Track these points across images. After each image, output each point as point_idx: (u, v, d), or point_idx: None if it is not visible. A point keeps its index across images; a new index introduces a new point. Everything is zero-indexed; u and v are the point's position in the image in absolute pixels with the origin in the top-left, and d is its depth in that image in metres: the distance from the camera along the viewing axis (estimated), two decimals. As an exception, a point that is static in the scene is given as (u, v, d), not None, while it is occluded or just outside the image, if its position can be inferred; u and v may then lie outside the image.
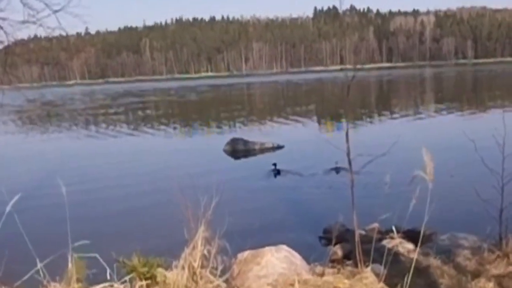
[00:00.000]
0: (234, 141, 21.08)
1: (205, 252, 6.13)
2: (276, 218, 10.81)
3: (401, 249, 7.62)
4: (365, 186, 10.77)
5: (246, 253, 6.65)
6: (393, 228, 6.84)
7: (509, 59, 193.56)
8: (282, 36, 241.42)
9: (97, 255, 5.58)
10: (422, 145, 5.14)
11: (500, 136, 6.90)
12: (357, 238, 6.49)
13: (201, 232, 6.21)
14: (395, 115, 32.15)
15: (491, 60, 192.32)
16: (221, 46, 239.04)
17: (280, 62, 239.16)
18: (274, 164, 16.18)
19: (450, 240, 7.52)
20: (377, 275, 6.28)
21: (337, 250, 8.00)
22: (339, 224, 8.83)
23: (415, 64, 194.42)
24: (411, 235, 8.07)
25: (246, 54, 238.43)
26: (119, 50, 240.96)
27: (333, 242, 7.08)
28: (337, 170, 15.56)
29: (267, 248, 6.76)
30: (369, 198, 9.64)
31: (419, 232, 8.12)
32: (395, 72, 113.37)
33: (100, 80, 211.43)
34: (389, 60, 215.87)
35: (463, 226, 7.79)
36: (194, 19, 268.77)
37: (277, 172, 15.97)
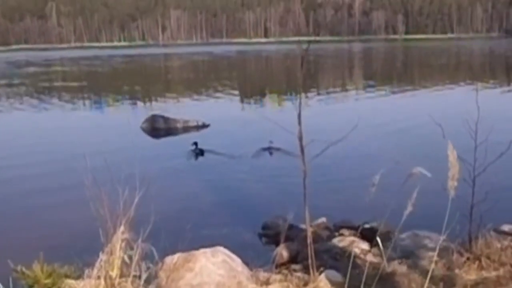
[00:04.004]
0: (153, 118, 20.22)
1: (126, 257, 5.47)
2: (207, 211, 10.08)
3: (356, 250, 7.06)
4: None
5: (176, 257, 6.00)
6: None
7: (440, 36, 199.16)
8: (203, 4, 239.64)
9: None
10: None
11: (471, 121, 6.39)
12: (309, 240, 5.83)
13: (121, 234, 5.52)
14: (336, 95, 31.65)
15: (422, 36, 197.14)
16: (136, 13, 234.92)
17: (200, 33, 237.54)
18: (195, 143, 15.54)
19: (412, 239, 7.01)
20: (332, 283, 5.70)
21: (282, 251, 7.32)
22: (281, 219, 8.22)
23: (344, 38, 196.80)
24: (365, 233, 7.54)
25: (163, 22, 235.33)
26: (22, 14, 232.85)
27: (281, 241, 6.44)
28: (270, 151, 15.04)
29: (201, 251, 6.09)
30: (315, 190, 9.00)
31: (374, 230, 7.64)
32: (323, 47, 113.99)
33: (1, 47, 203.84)
34: (316, 33, 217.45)
35: (426, 223, 7.25)
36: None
37: (199, 153, 15.30)
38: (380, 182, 5.23)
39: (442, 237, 7.01)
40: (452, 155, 4.12)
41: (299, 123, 5.79)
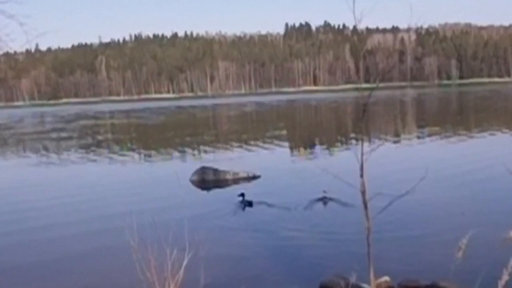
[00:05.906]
0: (202, 170, 19.96)
1: (174, 325, 5.13)
2: (259, 270, 9.51)
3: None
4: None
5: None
6: None
7: (496, 79, 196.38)
8: (251, 54, 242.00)
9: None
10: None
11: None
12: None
13: (169, 298, 5.18)
14: (394, 144, 30.75)
15: (477, 80, 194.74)
16: (184, 65, 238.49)
17: (249, 83, 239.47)
18: (242, 195, 15.21)
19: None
20: None
21: (344, 315, 6.84)
22: (341, 279, 7.78)
23: (395, 85, 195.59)
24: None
25: (211, 73, 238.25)
26: (72, 68, 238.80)
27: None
28: (324, 201, 14.60)
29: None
30: (375, 245, 8.54)
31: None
32: (374, 93, 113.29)
33: (52, 101, 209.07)
34: (367, 80, 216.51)
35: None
36: (155, 36, 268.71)
37: (247, 204, 14.91)
38: (444, 239, 4.78)
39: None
40: None
41: (361, 175, 5.42)
